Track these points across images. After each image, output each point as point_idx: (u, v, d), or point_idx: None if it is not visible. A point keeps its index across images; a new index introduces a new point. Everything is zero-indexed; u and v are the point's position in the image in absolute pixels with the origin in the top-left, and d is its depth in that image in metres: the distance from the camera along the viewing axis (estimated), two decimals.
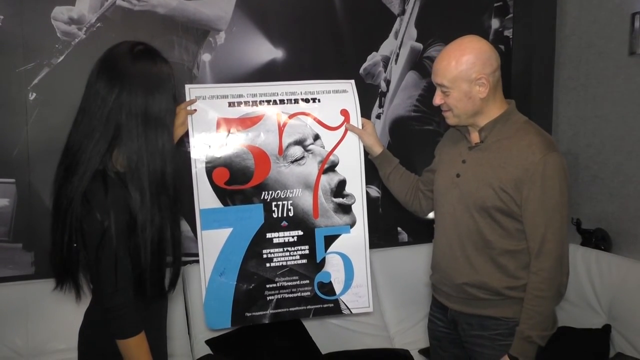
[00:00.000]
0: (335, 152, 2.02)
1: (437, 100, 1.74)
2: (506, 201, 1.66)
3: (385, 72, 2.79)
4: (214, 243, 1.96)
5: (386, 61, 2.79)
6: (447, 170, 1.83)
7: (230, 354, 2.26)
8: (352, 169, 2.04)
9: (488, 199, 1.68)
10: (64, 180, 1.43)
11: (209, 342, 2.31)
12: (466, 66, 1.65)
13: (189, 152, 1.92)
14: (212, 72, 2.52)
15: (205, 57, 2.52)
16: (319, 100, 2.02)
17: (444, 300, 1.85)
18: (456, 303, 1.80)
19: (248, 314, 2.00)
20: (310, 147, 2.00)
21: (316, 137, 2.01)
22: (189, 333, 2.40)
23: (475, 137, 1.76)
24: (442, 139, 1.99)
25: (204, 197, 1.93)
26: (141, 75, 1.43)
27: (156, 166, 1.44)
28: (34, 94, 2.31)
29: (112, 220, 1.37)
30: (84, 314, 1.58)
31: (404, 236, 2.90)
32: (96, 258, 1.39)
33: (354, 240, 2.06)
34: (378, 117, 2.80)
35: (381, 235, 2.81)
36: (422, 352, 2.49)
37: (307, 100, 2.01)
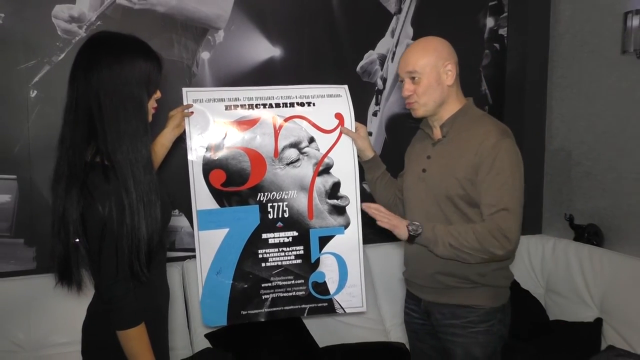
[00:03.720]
0: (329, 154, 2.02)
1: (407, 90, 1.78)
2: (468, 189, 1.71)
3: (381, 70, 2.79)
4: (211, 243, 1.95)
5: (383, 59, 2.79)
6: (414, 167, 1.89)
7: (229, 348, 2.26)
8: (346, 171, 2.03)
9: (451, 188, 1.73)
10: (57, 177, 1.43)
11: (208, 336, 2.31)
12: (435, 54, 1.75)
13: (186, 154, 1.92)
14: (211, 70, 2.52)
15: (204, 55, 2.51)
16: (313, 104, 2.02)
17: (418, 292, 1.89)
18: (429, 294, 1.83)
19: (244, 312, 2.00)
20: (306, 149, 2.00)
21: (311, 140, 2.01)
22: (188, 327, 2.40)
23: (437, 133, 1.83)
24: (410, 143, 2.03)
25: (201, 198, 1.92)
26: (93, 58, 1.40)
27: (133, 143, 1.41)
28: (35, 92, 2.30)
29: (113, 212, 1.36)
30: (87, 309, 1.57)
31: None
32: (98, 249, 1.37)
33: (348, 241, 2.05)
34: (374, 114, 2.79)
35: (377, 231, 2.80)
36: None
37: (302, 104, 2.01)
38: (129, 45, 1.46)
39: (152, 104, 1.52)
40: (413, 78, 1.76)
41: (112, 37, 1.47)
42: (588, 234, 2.75)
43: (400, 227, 1.73)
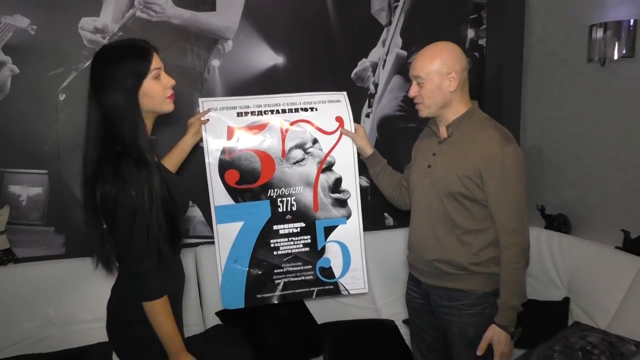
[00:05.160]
0: (331, 153, 2.03)
1: (413, 92, 1.77)
2: (469, 187, 1.69)
3: (373, 76, 2.79)
4: (228, 235, 1.97)
5: (374, 66, 2.79)
6: (420, 162, 1.86)
7: (237, 324, 2.27)
8: (346, 168, 2.05)
9: (454, 186, 1.71)
10: (85, 167, 1.45)
11: (218, 314, 2.32)
12: (440, 62, 1.70)
13: (204, 157, 1.93)
14: (221, 76, 2.52)
15: (215, 62, 2.51)
16: (316, 109, 2.03)
17: (418, 276, 1.89)
18: (428, 277, 1.84)
19: (259, 296, 2.02)
20: (310, 149, 2.01)
21: (315, 141, 2.02)
22: (201, 306, 2.41)
23: (443, 132, 1.80)
24: (418, 138, 2.00)
25: (218, 195, 1.94)
26: (93, 79, 1.43)
27: (140, 144, 1.43)
28: (64, 95, 2.30)
29: (145, 195, 1.39)
30: (111, 289, 1.60)
31: (389, 220, 2.91)
32: (130, 229, 1.40)
33: (350, 230, 2.07)
34: (367, 116, 2.80)
35: (370, 220, 2.81)
36: (405, 322, 2.50)
37: (306, 109, 2.02)
38: (113, 56, 1.44)
39: (166, 94, 1.51)
40: (418, 82, 1.74)
41: (102, 53, 1.46)
42: (557, 223, 2.76)
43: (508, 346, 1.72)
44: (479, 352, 1.71)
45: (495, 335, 1.68)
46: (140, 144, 1.42)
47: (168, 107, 1.53)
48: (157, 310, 1.45)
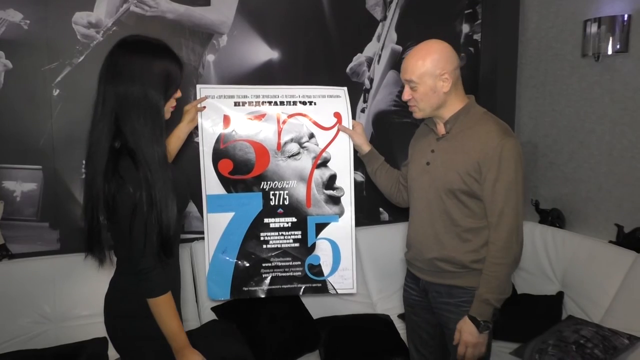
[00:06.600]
0: (327, 149, 2.01)
1: (406, 95, 1.73)
2: (469, 184, 1.66)
3: (369, 71, 2.79)
4: (218, 225, 1.96)
5: (370, 61, 2.79)
6: (418, 159, 1.83)
7: (233, 319, 2.28)
8: (342, 165, 2.03)
9: (454, 183, 1.68)
10: (88, 162, 1.43)
11: (214, 309, 2.32)
12: (431, 64, 1.64)
13: (198, 145, 1.92)
14: (215, 71, 2.51)
15: (210, 57, 2.50)
16: (315, 103, 2.01)
17: (417, 273, 1.86)
18: (427, 275, 1.81)
19: (245, 288, 2.01)
20: (306, 144, 2.00)
21: (311, 136, 2.00)
22: (196, 301, 2.41)
23: (441, 129, 1.76)
24: (414, 136, 1.97)
25: (210, 184, 1.93)
26: (119, 65, 1.40)
27: (150, 144, 1.41)
28: (58, 90, 2.29)
29: (143, 193, 1.37)
30: (109, 283, 1.58)
31: (385, 215, 2.91)
32: (129, 227, 1.38)
33: (342, 228, 2.05)
34: (362, 111, 2.80)
35: (365, 215, 2.82)
36: (400, 316, 2.51)
37: (304, 103, 2.00)
38: (150, 51, 1.43)
39: (171, 104, 1.51)
40: (411, 86, 1.70)
41: (137, 44, 1.44)
42: (552, 217, 2.77)
43: (481, 344, 1.70)
44: (454, 342, 1.71)
45: (463, 325, 1.69)
46: (160, 147, 1.42)
47: (167, 116, 1.52)
48: (161, 306, 1.44)
